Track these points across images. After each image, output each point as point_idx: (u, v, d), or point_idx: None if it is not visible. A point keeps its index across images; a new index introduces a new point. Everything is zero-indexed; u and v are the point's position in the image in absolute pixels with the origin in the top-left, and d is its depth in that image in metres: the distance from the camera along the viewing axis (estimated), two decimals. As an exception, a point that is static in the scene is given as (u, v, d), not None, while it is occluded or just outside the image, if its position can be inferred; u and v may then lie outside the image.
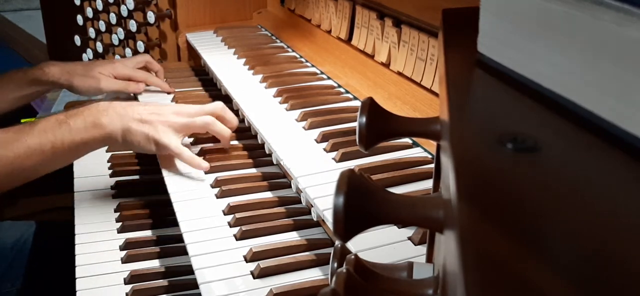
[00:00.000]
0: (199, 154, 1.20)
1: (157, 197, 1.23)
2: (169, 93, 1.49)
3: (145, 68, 1.52)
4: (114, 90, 1.48)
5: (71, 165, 1.36)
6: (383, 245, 0.79)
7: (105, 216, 1.18)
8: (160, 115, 1.14)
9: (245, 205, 1.04)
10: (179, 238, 0.99)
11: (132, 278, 1.01)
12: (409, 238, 0.80)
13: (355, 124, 0.54)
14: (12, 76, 1.49)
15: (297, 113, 1.16)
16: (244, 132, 1.26)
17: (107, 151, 1.39)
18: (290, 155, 1.01)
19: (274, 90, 1.28)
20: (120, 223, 1.15)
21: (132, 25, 1.82)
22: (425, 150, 1.00)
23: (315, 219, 0.92)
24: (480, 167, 0.37)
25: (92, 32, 2.03)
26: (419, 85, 1.14)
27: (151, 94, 1.49)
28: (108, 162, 1.36)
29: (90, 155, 1.38)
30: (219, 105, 1.20)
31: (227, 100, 1.35)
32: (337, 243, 0.54)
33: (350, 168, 0.42)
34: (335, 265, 0.51)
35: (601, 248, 0.29)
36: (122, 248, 1.09)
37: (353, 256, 0.48)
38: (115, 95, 1.51)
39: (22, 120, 1.89)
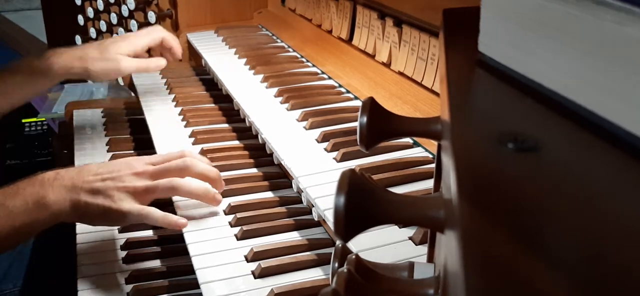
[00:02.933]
0: (200, 154, 1.20)
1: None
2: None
3: (162, 45, 1.41)
4: (134, 70, 1.36)
5: (72, 165, 1.36)
6: (384, 244, 0.79)
7: (106, 216, 1.18)
8: (115, 179, 0.97)
9: (246, 205, 1.04)
10: (180, 238, 0.99)
11: (133, 278, 1.01)
12: (410, 238, 0.80)
13: (356, 124, 0.54)
14: (17, 68, 1.32)
15: (297, 113, 1.16)
16: (245, 132, 1.26)
17: (108, 151, 1.39)
18: (291, 155, 1.01)
19: (274, 90, 1.28)
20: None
21: (133, 25, 1.82)
22: (426, 150, 1.00)
23: (316, 219, 0.92)
24: (481, 167, 0.37)
25: (93, 32, 2.03)
26: (420, 85, 1.14)
27: (153, 96, 1.48)
28: (109, 161, 1.36)
29: (90, 155, 1.39)
30: (186, 161, 1.01)
31: (228, 100, 1.35)
32: (338, 243, 0.54)
33: (351, 168, 0.42)
34: (336, 264, 0.51)
35: (602, 248, 0.29)
36: (122, 248, 1.09)
37: (354, 256, 0.48)
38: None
39: (23, 120, 1.89)
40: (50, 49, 1.34)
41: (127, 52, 1.32)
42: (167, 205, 1.04)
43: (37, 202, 0.93)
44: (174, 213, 1.02)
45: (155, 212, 0.97)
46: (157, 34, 1.39)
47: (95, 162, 1.34)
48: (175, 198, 1.05)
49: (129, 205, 0.96)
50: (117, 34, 1.92)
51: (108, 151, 1.40)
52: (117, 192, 0.96)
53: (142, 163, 1.01)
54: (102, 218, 0.97)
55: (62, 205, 0.95)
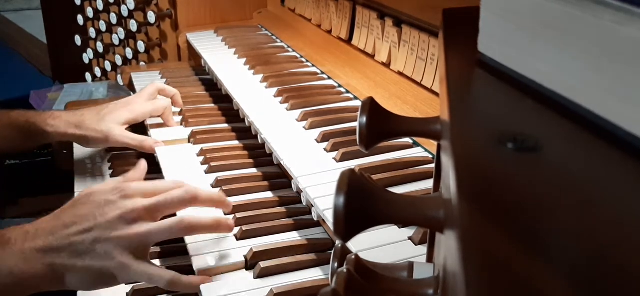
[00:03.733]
0: (199, 154, 1.21)
1: (157, 197, 1.22)
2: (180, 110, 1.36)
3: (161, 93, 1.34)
4: (126, 144, 1.25)
5: (71, 166, 1.36)
6: (383, 244, 0.79)
7: (106, 216, 1.18)
8: (104, 228, 0.77)
9: (245, 205, 1.04)
10: (180, 238, 0.99)
11: (132, 278, 1.01)
12: (410, 238, 0.80)
13: (355, 124, 0.54)
14: (15, 119, 1.24)
15: (297, 113, 1.16)
16: (245, 132, 1.26)
17: (107, 151, 1.39)
18: (291, 155, 1.01)
19: (274, 90, 1.28)
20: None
21: (133, 25, 1.82)
22: (426, 150, 1.00)
23: (315, 219, 0.92)
24: (481, 167, 0.37)
25: (92, 32, 2.03)
26: (420, 85, 1.14)
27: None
28: (108, 162, 1.36)
29: (90, 154, 1.39)
30: (188, 188, 0.86)
31: (228, 100, 1.35)
32: (338, 243, 0.54)
33: (351, 168, 0.42)
34: (336, 264, 0.51)
35: (602, 248, 0.29)
36: (122, 248, 1.09)
37: (353, 256, 0.48)
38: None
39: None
40: (48, 111, 1.30)
41: (126, 121, 1.25)
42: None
43: (9, 272, 0.75)
44: (174, 213, 1.00)
45: (179, 278, 0.80)
46: (160, 103, 1.31)
47: (94, 162, 1.35)
48: None
49: (131, 261, 0.77)
50: (116, 33, 1.92)
51: (107, 151, 1.39)
52: (112, 246, 0.77)
53: (131, 199, 0.82)
54: (97, 282, 0.79)
55: (36, 272, 0.76)
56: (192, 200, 0.87)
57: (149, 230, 0.80)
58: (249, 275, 0.89)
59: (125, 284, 0.84)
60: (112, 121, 1.24)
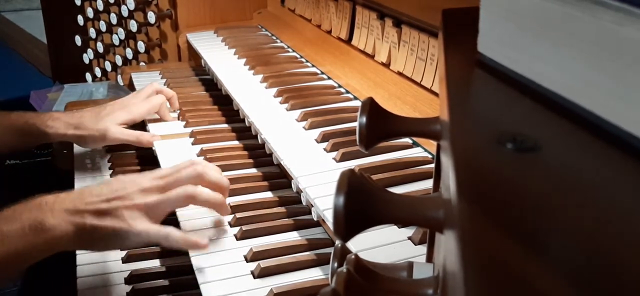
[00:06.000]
0: (199, 154, 1.21)
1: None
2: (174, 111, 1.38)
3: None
4: (124, 141, 1.28)
5: (71, 165, 1.36)
6: (383, 244, 0.79)
7: (106, 216, 1.18)
8: (122, 198, 0.90)
9: (245, 205, 1.04)
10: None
11: (132, 278, 1.01)
12: (409, 238, 0.80)
13: (355, 124, 0.54)
14: (14, 120, 1.27)
15: (297, 113, 1.16)
16: (244, 132, 1.26)
17: (107, 151, 1.39)
18: (291, 155, 1.01)
19: (274, 90, 1.28)
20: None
21: (133, 25, 1.82)
22: (426, 150, 1.00)
23: (315, 219, 0.92)
24: (481, 167, 0.37)
25: (92, 32, 2.03)
26: (419, 85, 1.14)
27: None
28: (108, 162, 1.36)
29: (90, 154, 1.39)
30: (197, 167, 0.96)
31: (228, 100, 1.35)
32: (338, 242, 0.54)
33: (351, 168, 0.43)
34: (336, 264, 0.51)
35: (601, 248, 0.29)
36: (122, 248, 1.09)
37: (353, 256, 0.48)
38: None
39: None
40: (48, 113, 1.31)
41: (124, 121, 1.28)
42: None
43: (34, 227, 0.86)
44: (173, 213, 1.01)
45: (174, 232, 0.90)
46: (155, 101, 1.33)
47: (93, 162, 1.36)
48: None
49: (142, 224, 0.89)
50: (116, 34, 1.92)
51: (107, 151, 1.40)
52: (127, 210, 0.89)
53: (148, 178, 0.95)
54: (112, 241, 0.90)
55: (63, 229, 0.87)
56: (198, 177, 0.96)
57: (158, 199, 0.92)
58: (249, 275, 0.89)
59: (135, 245, 0.98)
60: (110, 121, 1.26)
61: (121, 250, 1.06)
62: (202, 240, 0.91)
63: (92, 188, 0.94)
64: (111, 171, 1.33)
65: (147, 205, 0.91)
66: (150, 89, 1.35)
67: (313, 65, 1.42)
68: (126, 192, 0.91)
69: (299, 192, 0.95)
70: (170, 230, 0.91)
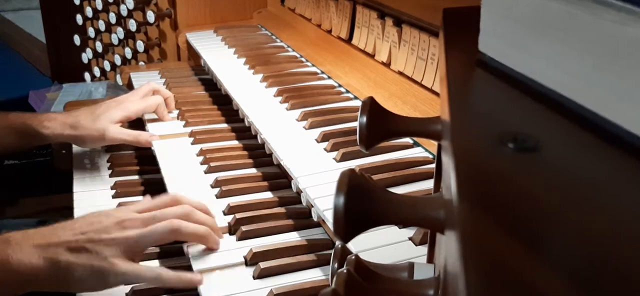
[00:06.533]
0: (199, 154, 1.20)
1: (157, 197, 1.22)
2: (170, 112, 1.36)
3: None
4: (122, 141, 1.28)
5: (70, 165, 1.36)
6: (384, 245, 0.78)
7: (105, 216, 1.18)
8: (98, 231, 0.83)
9: (245, 205, 1.04)
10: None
11: (132, 278, 1.01)
12: (410, 239, 0.80)
13: (355, 124, 0.54)
14: (11, 121, 1.26)
15: (297, 113, 1.16)
16: (244, 132, 1.26)
17: (106, 151, 1.39)
18: (291, 155, 1.01)
19: (274, 89, 1.28)
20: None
21: (132, 25, 1.82)
22: (426, 150, 1.00)
23: (315, 219, 0.92)
24: (482, 167, 0.37)
25: (91, 32, 2.03)
26: (420, 84, 1.14)
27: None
28: (108, 161, 1.36)
29: (89, 154, 1.38)
30: (185, 208, 0.91)
31: (227, 100, 1.35)
32: (338, 243, 0.54)
33: (351, 168, 0.42)
34: (336, 265, 0.51)
35: (602, 248, 0.29)
36: (122, 248, 1.08)
37: (353, 257, 0.48)
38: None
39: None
40: (45, 113, 1.31)
41: (119, 119, 1.27)
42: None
43: (0, 263, 0.79)
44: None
45: (166, 271, 0.84)
46: (152, 100, 1.33)
47: (93, 162, 1.35)
48: None
49: (125, 264, 0.82)
50: (115, 33, 1.91)
51: (106, 151, 1.39)
52: (105, 246, 0.82)
53: (127, 211, 0.89)
54: (90, 281, 0.82)
55: (34, 265, 0.80)
56: (184, 216, 0.90)
57: (140, 233, 0.85)
58: (249, 275, 0.88)
59: (116, 286, 0.86)
60: (106, 119, 1.26)
61: (100, 289, 0.88)
62: (195, 276, 0.86)
63: (65, 222, 0.87)
64: (110, 171, 1.33)
65: (127, 240, 0.84)
66: (147, 88, 1.35)
67: (313, 65, 1.42)
68: (102, 225, 0.84)
69: (299, 192, 0.95)
70: (161, 270, 0.86)
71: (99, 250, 0.82)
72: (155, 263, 1.06)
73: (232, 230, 0.98)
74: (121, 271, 0.82)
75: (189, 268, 0.93)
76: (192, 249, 0.93)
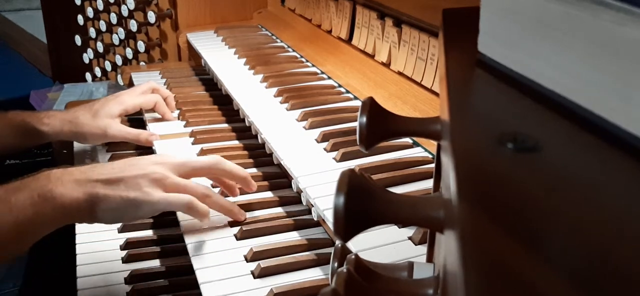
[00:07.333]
0: (199, 154, 1.20)
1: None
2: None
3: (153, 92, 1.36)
4: (123, 139, 1.29)
5: (71, 164, 1.36)
6: (383, 244, 0.78)
7: (106, 216, 1.18)
8: (134, 166, 0.90)
9: (245, 205, 1.04)
10: (180, 238, 0.99)
11: (132, 278, 1.01)
12: (410, 238, 0.80)
13: (355, 124, 0.54)
14: (11, 120, 1.27)
15: (297, 113, 1.16)
16: (244, 131, 1.26)
17: (107, 151, 1.39)
18: (291, 155, 1.01)
19: (274, 90, 1.28)
20: (120, 223, 1.15)
21: (133, 25, 1.82)
22: (426, 150, 1.00)
23: (315, 219, 0.92)
24: (481, 167, 0.37)
25: (92, 32, 2.03)
26: (420, 85, 1.14)
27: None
28: (109, 161, 1.36)
29: (90, 154, 1.39)
30: (214, 159, 0.99)
31: (228, 100, 1.35)
32: (338, 243, 0.54)
33: (351, 168, 0.42)
34: (336, 264, 0.51)
35: (602, 248, 0.29)
36: (122, 248, 1.09)
37: (353, 256, 0.48)
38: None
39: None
40: (44, 111, 1.31)
41: (118, 113, 1.28)
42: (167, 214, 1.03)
43: (43, 195, 0.84)
44: (173, 213, 1.01)
45: (196, 202, 0.91)
46: (150, 97, 1.33)
47: (93, 162, 1.35)
48: None
49: (158, 193, 0.88)
50: (116, 33, 1.92)
51: (107, 151, 1.39)
52: (141, 179, 0.88)
53: (162, 157, 0.97)
54: (124, 211, 0.89)
55: (73, 197, 0.86)
56: (217, 164, 0.98)
57: (175, 181, 0.92)
58: (249, 274, 0.89)
59: (147, 216, 0.96)
60: (106, 115, 1.26)
61: (133, 222, 1.07)
62: (235, 207, 0.96)
63: (103, 163, 0.94)
64: (111, 171, 1.33)
65: (164, 177, 0.90)
66: (147, 86, 1.36)
67: (313, 65, 1.42)
68: (140, 163, 0.91)
69: (299, 192, 0.95)
70: (191, 198, 0.91)
71: (135, 183, 0.88)
72: (156, 262, 1.06)
73: (232, 228, 0.98)
74: (155, 199, 0.88)
75: (189, 267, 0.93)
76: (192, 247, 0.93)
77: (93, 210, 0.87)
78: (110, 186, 0.87)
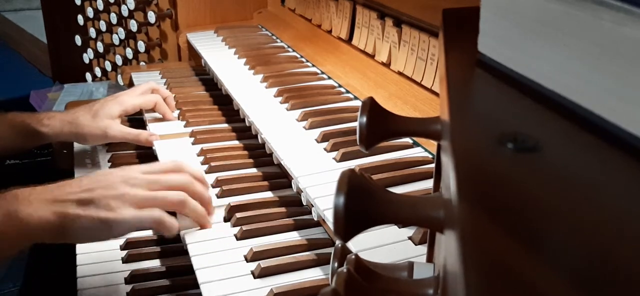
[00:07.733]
0: (199, 154, 1.20)
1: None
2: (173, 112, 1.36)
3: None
4: (123, 139, 1.29)
5: (71, 165, 1.36)
6: (383, 244, 0.78)
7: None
8: (106, 187, 0.88)
9: (245, 204, 1.04)
10: (180, 238, 0.99)
11: (132, 278, 1.01)
12: (410, 238, 0.80)
13: (355, 124, 0.54)
14: (10, 121, 1.26)
15: (297, 113, 1.16)
16: (245, 131, 1.26)
17: (107, 151, 1.39)
18: (291, 155, 1.01)
19: (274, 90, 1.28)
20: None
21: (133, 25, 1.82)
22: (426, 150, 1.00)
23: (315, 219, 0.92)
24: (481, 167, 0.37)
25: (92, 32, 2.03)
26: (420, 85, 1.14)
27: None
28: (108, 162, 1.36)
29: (90, 154, 1.39)
30: (187, 177, 0.96)
31: (228, 100, 1.35)
32: (338, 243, 0.54)
33: (351, 168, 0.42)
34: (336, 264, 0.51)
35: (602, 248, 0.29)
36: (122, 248, 1.09)
37: (353, 256, 0.48)
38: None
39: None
40: (44, 112, 1.31)
41: (118, 113, 1.27)
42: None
43: (7, 215, 0.82)
44: (173, 213, 1.00)
45: (167, 216, 0.89)
46: (150, 97, 1.33)
47: (93, 162, 1.35)
48: None
49: (129, 211, 0.87)
50: (116, 33, 1.92)
51: (107, 151, 1.40)
52: (112, 199, 0.86)
53: (132, 171, 0.93)
54: (95, 232, 0.87)
55: (42, 218, 0.83)
56: (187, 186, 0.95)
57: (148, 196, 0.90)
58: (249, 275, 0.89)
59: (120, 236, 0.96)
60: (106, 116, 1.26)
61: (104, 242, 1.03)
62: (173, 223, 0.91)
63: (71, 180, 0.91)
64: (111, 171, 1.33)
65: (135, 197, 0.88)
66: (146, 86, 1.36)
67: (313, 65, 1.42)
68: (109, 181, 0.89)
69: (299, 192, 0.95)
70: (160, 215, 0.89)
71: (106, 204, 0.86)
72: (156, 262, 1.06)
73: (232, 228, 0.98)
74: (127, 219, 0.86)
75: (189, 267, 0.93)
76: (192, 247, 0.93)
77: (64, 230, 0.85)
78: (81, 206, 0.85)
